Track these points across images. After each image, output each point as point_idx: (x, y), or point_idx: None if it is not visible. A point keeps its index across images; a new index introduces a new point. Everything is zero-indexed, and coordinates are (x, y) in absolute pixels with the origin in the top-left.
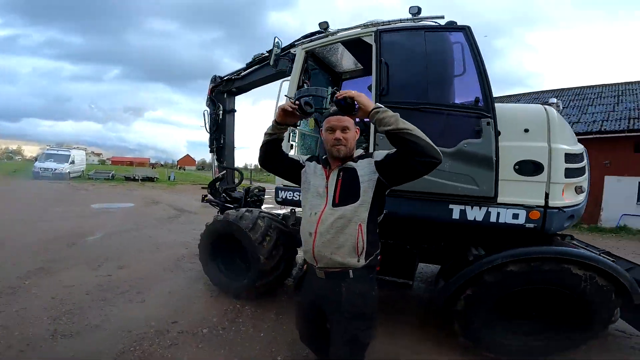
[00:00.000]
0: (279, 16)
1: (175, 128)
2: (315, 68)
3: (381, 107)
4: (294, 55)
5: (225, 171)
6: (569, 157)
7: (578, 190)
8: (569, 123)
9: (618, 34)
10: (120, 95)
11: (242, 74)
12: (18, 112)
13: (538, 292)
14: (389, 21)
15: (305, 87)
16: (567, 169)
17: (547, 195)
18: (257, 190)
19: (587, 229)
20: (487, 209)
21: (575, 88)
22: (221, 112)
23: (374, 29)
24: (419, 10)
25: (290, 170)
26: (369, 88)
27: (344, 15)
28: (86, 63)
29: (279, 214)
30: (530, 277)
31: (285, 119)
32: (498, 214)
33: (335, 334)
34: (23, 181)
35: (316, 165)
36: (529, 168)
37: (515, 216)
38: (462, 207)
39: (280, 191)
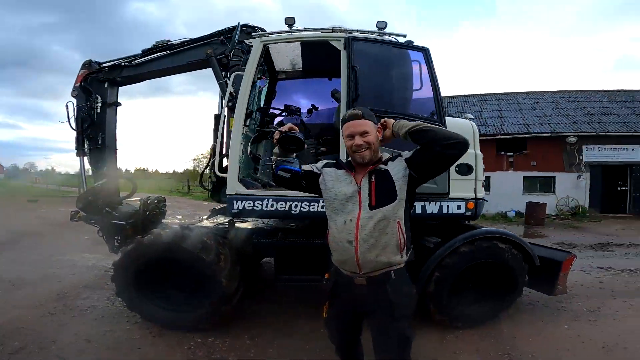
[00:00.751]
0: (141, 6)
1: None
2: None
3: (398, 120)
4: (248, 46)
5: (105, 180)
6: (481, 160)
7: (483, 184)
8: None
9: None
10: None
11: (136, 61)
12: None
13: (480, 267)
14: (352, 30)
15: (260, 83)
16: (482, 169)
17: (475, 190)
18: (156, 201)
19: None
20: (441, 203)
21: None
22: (99, 104)
23: (345, 35)
24: (386, 25)
25: (309, 185)
26: (333, 94)
27: (220, 13)
28: None
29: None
30: (475, 254)
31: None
32: (448, 206)
33: (384, 336)
34: None
35: (336, 170)
36: (464, 169)
37: (459, 207)
38: (423, 203)
39: (235, 201)
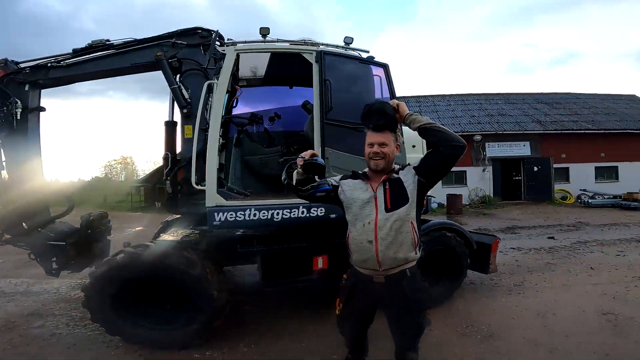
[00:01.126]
0: None
1: None
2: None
3: (412, 112)
4: (221, 54)
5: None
6: None
7: None
8: None
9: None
10: None
11: (67, 61)
12: None
13: (432, 254)
14: (319, 43)
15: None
16: None
17: None
18: (99, 217)
19: None
20: None
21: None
22: (19, 110)
23: (316, 48)
24: (352, 40)
25: (333, 197)
26: (304, 105)
27: (137, 9)
28: None
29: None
30: (431, 243)
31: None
32: None
33: (401, 326)
34: None
35: (353, 181)
36: None
37: None
38: None
39: (216, 214)
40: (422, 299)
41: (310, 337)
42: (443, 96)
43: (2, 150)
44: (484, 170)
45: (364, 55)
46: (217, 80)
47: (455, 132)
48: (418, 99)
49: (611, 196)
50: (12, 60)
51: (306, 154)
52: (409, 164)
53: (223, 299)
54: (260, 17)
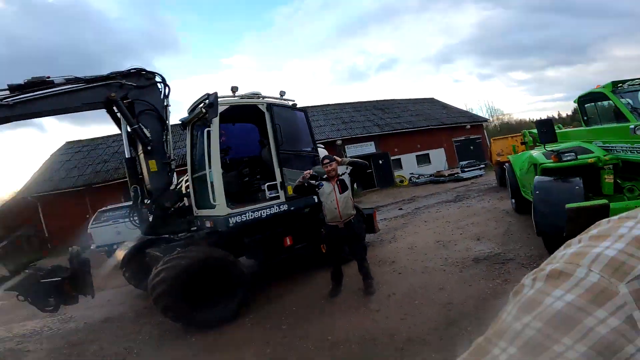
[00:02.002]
0: None
1: None
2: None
3: (343, 159)
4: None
5: (5, 242)
6: None
7: None
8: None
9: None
10: None
11: (10, 100)
12: None
13: None
14: (266, 96)
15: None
16: None
17: None
18: (80, 250)
19: None
20: None
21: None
22: None
23: (265, 101)
24: (285, 93)
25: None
26: (261, 142)
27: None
28: None
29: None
30: None
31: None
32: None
33: (354, 246)
34: None
35: (324, 182)
36: None
37: None
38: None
39: (230, 219)
40: (362, 231)
41: (329, 313)
42: (307, 107)
43: None
44: (347, 168)
45: (290, 103)
46: (211, 126)
47: (321, 140)
48: None
49: (427, 175)
50: None
51: (307, 173)
52: (345, 173)
53: (249, 276)
54: (93, 24)
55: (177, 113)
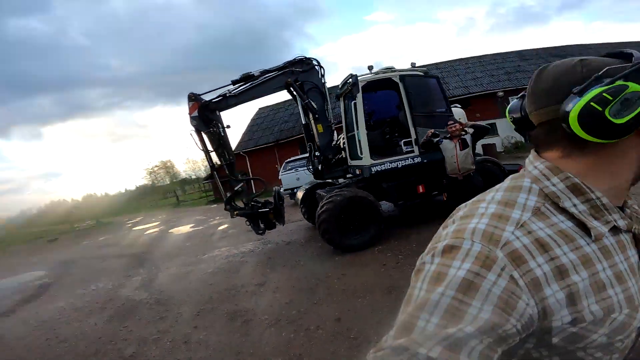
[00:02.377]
0: (22, 23)
1: None
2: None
3: (468, 123)
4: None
5: (242, 183)
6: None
7: None
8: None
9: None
10: None
11: (235, 91)
12: None
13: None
14: (391, 68)
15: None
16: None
17: None
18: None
19: None
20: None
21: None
22: (221, 129)
23: (397, 74)
24: (415, 64)
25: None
26: (398, 106)
27: (122, 16)
28: None
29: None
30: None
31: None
32: None
33: (471, 197)
34: None
35: (446, 140)
36: None
37: None
38: None
39: (372, 167)
40: (480, 184)
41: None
42: (461, 60)
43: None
44: (470, 130)
45: (420, 72)
46: (356, 99)
47: (478, 92)
48: (438, 65)
49: None
50: (198, 94)
51: (429, 132)
52: (468, 133)
53: (382, 215)
54: (253, 4)
55: (334, 73)
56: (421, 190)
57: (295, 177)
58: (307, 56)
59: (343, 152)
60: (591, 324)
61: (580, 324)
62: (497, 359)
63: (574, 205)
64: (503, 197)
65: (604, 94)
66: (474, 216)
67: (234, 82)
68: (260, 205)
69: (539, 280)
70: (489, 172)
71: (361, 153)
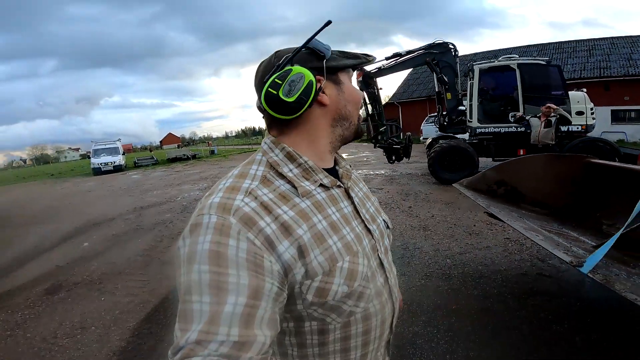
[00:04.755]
0: None
1: (139, 110)
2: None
3: (560, 109)
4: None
5: (385, 127)
6: (589, 107)
7: (594, 117)
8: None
9: None
10: (66, 87)
11: (387, 65)
12: None
13: None
14: (512, 56)
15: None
16: (589, 109)
17: (586, 120)
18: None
19: None
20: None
21: (554, 43)
22: (377, 90)
23: (515, 62)
24: (536, 55)
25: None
26: (515, 87)
27: None
28: (15, 60)
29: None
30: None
31: None
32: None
33: None
34: (95, 178)
35: (534, 119)
36: (580, 113)
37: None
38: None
39: (477, 129)
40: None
41: None
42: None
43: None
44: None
45: (542, 61)
46: (473, 80)
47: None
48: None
49: None
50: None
51: (518, 115)
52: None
53: (477, 162)
54: None
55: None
56: (521, 152)
57: (435, 129)
58: (445, 41)
59: (463, 115)
60: (324, 275)
61: (315, 277)
62: (280, 319)
63: (290, 170)
64: (239, 171)
65: (276, 79)
66: (213, 193)
67: (387, 58)
68: (395, 142)
69: (270, 238)
70: (599, 150)
71: (471, 118)
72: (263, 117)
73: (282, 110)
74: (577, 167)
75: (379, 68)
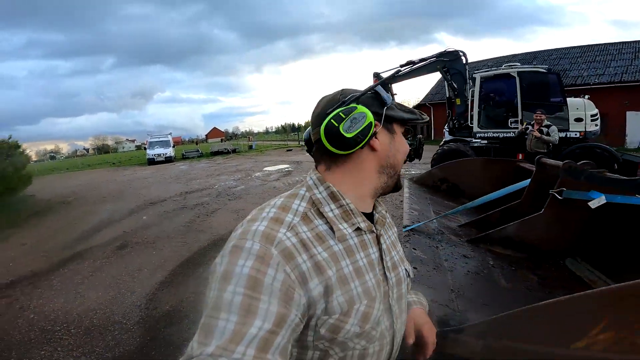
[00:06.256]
0: None
1: (187, 105)
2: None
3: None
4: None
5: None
6: (589, 114)
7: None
8: (596, 76)
9: None
10: (123, 83)
11: (402, 71)
12: (36, 114)
13: None
14: (510, 64)
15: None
16: (590, 116)
17: (585, 127)
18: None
19: (617, 149)
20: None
21: (598, 45)
22: (392, 95)
23: (515, 70)
24: (536, 64)
25: None
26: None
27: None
28: (78, 57)
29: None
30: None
31: None
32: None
33: None
34: (150, 167)
35: (530, 127)
36: (579, 120)
37: (576, 134)
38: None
39: (478, 134)
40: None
41: None
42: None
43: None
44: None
45: (542, 69)
46: (475, 88)
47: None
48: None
49: None
50: (379, 72)
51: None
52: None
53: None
54: None
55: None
56: (520, 157)
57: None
58: (456, 49)
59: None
60: (341, 315)
61: (333, 314)
62: (291, 349)
63: (331, 210)
64: (282, 203)
65: (340, 113)
66: (257, 220)
67: (401, 66)
68: (417, 142)
69: (304, 274)
70: (597, 156)
71: (471, 123)
72: (309, 152)
73: (338, 144)
74: (509, 169)
75: (394, 75)
